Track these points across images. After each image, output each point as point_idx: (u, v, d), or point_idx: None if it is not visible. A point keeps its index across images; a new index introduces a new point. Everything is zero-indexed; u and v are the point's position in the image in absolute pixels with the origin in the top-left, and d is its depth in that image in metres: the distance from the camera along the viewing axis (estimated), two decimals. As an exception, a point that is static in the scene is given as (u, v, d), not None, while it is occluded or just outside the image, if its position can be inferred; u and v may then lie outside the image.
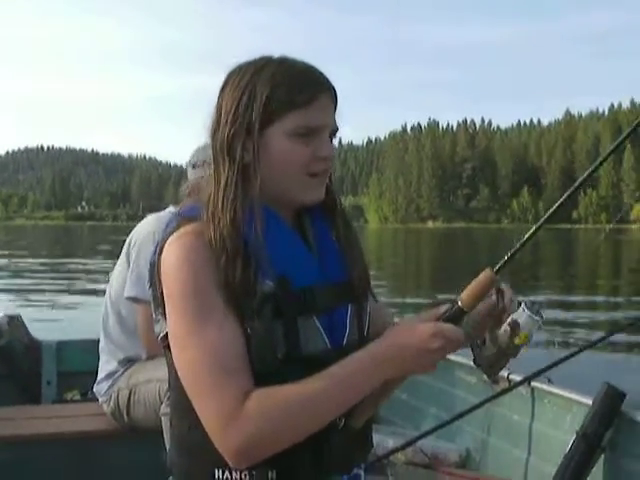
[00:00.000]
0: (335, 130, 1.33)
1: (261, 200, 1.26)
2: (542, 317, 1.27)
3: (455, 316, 1.24)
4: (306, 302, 1.26)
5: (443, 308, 1.27)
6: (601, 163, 1.40)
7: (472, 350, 1.32)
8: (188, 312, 1.20)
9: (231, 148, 1.27)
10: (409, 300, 15.94)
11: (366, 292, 1.41)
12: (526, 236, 1.29)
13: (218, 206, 1.25)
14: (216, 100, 1.32)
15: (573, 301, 14.56)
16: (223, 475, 1.24)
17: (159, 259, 1.26)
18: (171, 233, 1.27)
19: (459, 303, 1.25)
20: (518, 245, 1.27)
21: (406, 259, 36.39)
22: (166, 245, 1.25)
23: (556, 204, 1.33)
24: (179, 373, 1.24)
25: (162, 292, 1.25)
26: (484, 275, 1.25)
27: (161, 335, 1.30)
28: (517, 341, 1.26)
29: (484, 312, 1.28)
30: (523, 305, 1.27)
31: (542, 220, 1.34)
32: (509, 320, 1.27)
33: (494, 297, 1.27)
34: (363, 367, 1.21)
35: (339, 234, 1.39)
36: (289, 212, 1.35)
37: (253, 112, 1.25)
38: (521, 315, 1.26)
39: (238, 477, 1.23)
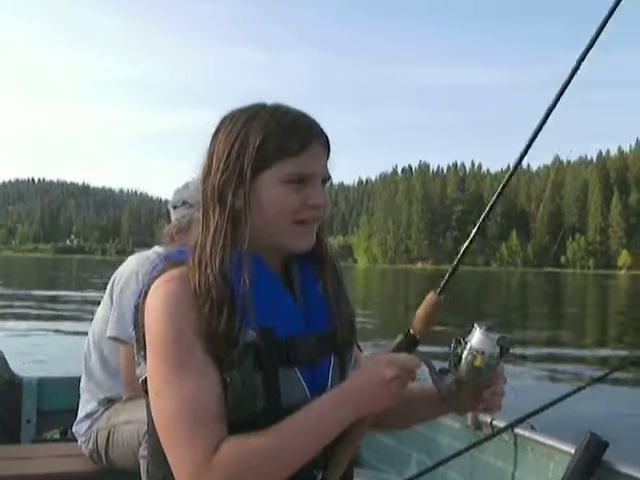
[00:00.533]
0: (327, 178, 1.34)
1: (249, 247, 1.26)
2: (498, 336, 1.23)
3: (407, 343, 1.26)
4: (288, 353, 1.26)
5: (397, 339, 1.29)
6: (504, 186, 1.44)
7: (432, 379, 1.30)
8: (167, 359, 1.19)
9: (222, 194, 1.27)
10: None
11: (350, 343, 1.41)
12: (457, 257, 1.35)
13: (206, 252, 1.25)
14: (208, 145, 1.33)
15: (559, 349, 14.51)
16: None
17: (144, 302, 1.26)
18: (157, 277, 1.26)
19: (410, 331, 1.27)
20: (454, 264, 1.32)
21: (394, 299, 36.38)
22: (151, 289, 1.25)
23: (468, 240, 1.40)
24: (155, 420, 1.23)
25: (144, 336, 1.25)
26: (429, 298, 1.29)
27: (141, 379, 1.29)
28: (477, 362, 1.23)
29: None
30: (476, 324, 1.26)
31: (461, 252, 1.38)
32: (467, 346, 1.25)
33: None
34: (329, 409, 1.21)
35: (326, 284, 1.38)
36: (277, 260, 1.35)
37: (245, 159, 1.26)
38: (476, 336, 1.24)
39: None
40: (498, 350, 1.23)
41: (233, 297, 1.22)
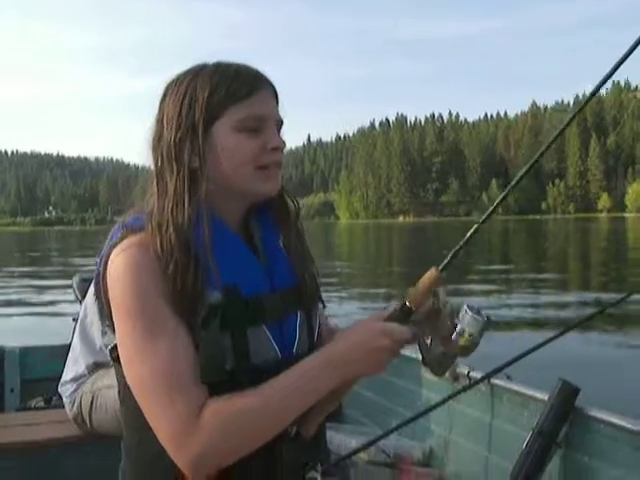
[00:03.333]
0: (280, 122, 1.33)
1: (208, 206, 1.25)
2: (485, 318, 1.29)
3: (402, 315, 1.26)
4: (255, 312, 1.26)
5: (391, 308, 1.29)
6: (542, 154, 1.42)
7: (420, 349, 1.33)
8: (138, 326, 1.18)
9: (178, 154, 1.26)
10: (381, 290, 16.10)
11: (315, 298, 1.41)
12: (467, 234, 1.29)
13: (165, 215, 1.23)
14: (156, 112, 1.31)
15: (540, 296, 14.71)
16: None
17: (104, 271, 1.25)
18: (115, 244, 1.25)
19: (406, 302, 1.27)
20: (461, 243, 1.28)
21: (377, 251, 36.59)
22: (112, 257, 1.24)
23: (496, 201, 1.34)
24: (132, 387, 1.22)
25: (109, 304, 1.24)
26: (429, 274, 1.27)
27: (109, 347, 1.29)
28: (462, 341, 1.28)
29: (424, 312, 1.29)
30: (465, 307, 1.30)
31: (483, 218, 1.34)
32: (455, 322, 1.29)
33: (431, 299, 1.29)
34: (317, 370, 1.21)
35: (288, 237, 1.38)
36: (236, 217, 1.34)
37: (196, 113, 1.25)
38: (464, 316, 1.29)
39: None
40: (483, 328, 1.29)
41: (196, 259, 1.21)
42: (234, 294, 1.23)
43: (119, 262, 1.22)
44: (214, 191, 1.27)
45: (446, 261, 1.28)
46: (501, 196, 1.36)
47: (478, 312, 1.29)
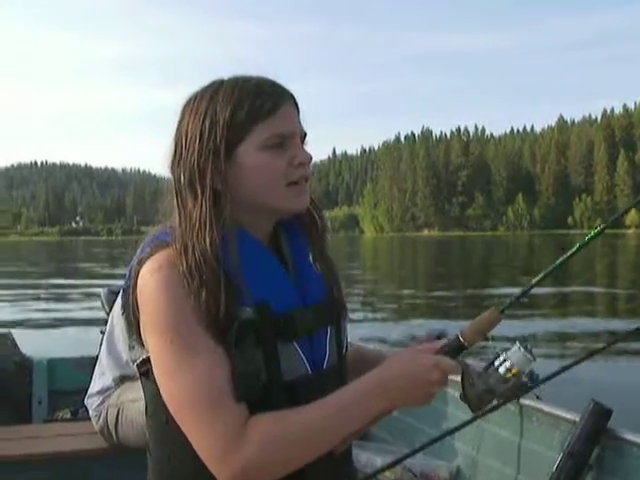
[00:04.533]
0: (304, 135, 1.32)
1: (235, 223, 1.25)
2: (534, 357, 1.27)
3: (454, 350, 1.26)
4: (286, 327, 1.25)
5: (441, 342, 1.29)
6: None
7: (462, 384, 1.31)
8: (175, 341, 1.18)
9: (201, 176, 1.24)
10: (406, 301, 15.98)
11: (344, 312, 1.40)
12: (535, 280, 1.29)
13: (189, 239, 1.22)
14: (174, 132, 1.30)
15: (567, 317, 14.49)
16: None
17: (134, 287, 1.25)
18: (145, 259, 1.24)
19: (460, 338, 1.26)
20: (527, 287, 1.28)
21: (401, 265, 36.41)
22: (142, 272, 1.23)
23: (565, 255, 1.31)
24: (169, 402, 1.20)
25: (138, 320, 1.24)
26: (489, 314, 1.26)
27: (137, 362, 1.29)
28: (508, 376, 1.26)
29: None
30: (517, 344, 1.28)
31: (557, 262, 1.31)
32: (502, 358, 1.27)
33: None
34: (369, 394, 1.20)
35: (317, 253, 1.37)
36: (264, 233, 1.33)
37: (217, 136, 1.24)
38: (515, 353, 1.27)
39: None
40: (528, 368, 1.27)
41: (226, 277, 1.20)
42: (266, 310, 1.23)
43: (151, 280, 1.21)
44: (241, 210, 1.27)
45: (508, 303, 1.28)
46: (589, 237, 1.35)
47: (530, 351, 1.27)
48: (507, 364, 1.26)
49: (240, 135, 1.25)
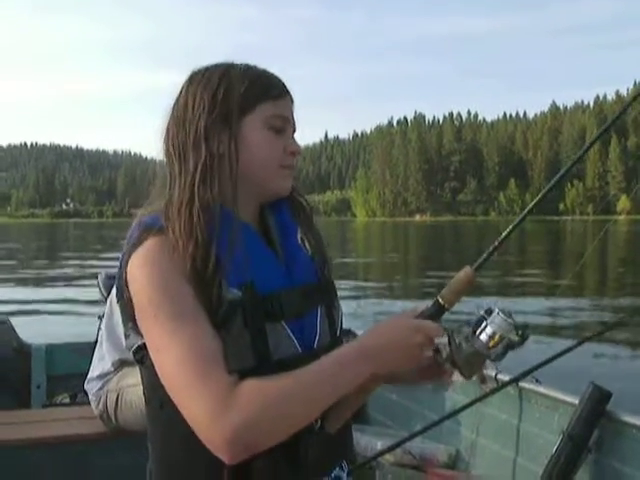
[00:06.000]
0: (295, 130, 1.38)
1: (222, 203, 1.25)
2: (515, 321, 1.26)
3: (435, 312, 1.27)
4: (273, 307, 1.25)
5: (423, 307, 1.29)
6: (581, 157, 1.42)
7: (449, 348, 1.29)
8: (162, 315, 1.18)
9: (207, 137, 1.26)
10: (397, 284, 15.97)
11: (335, 292, 1.41)
12: (504, 234, 1.30)
13: (188, 193, 1.24)
14: (178, 98, 1.31)
15: (560, 300, 14.57)
16: None
17: (125, 271, 1.24)
18: (135, 246, 1.24)
19: (440, 300, 1.27)
20: (496, 243, 1.28)
21: (394, 249, 36.48)
22: (130, 264, 1.23)
23: (533, 201, 1.36)
24: (163, 377, 1.20)
25: (131, 303, 1.24)
26: (464, 273, 1.27)
27: (133, 349, 1.29)
28: (491, 343, 1.26)
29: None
30: (496, 310, 1.28)
31: (519, 218, 1.36)
32: (484, 325, 1.27)
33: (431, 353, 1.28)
34: (351, 360, 1.20)
35: (305, 234, 1.38)
36: (250, 213, 1.34)
37: (232, 102, 1.28)
38: (495, 318, 1.26)
39: None
40: (515, 336, 1.27)
41: (215, 257, 1.20)
42: (253, 290, 1.23)
43: (138, 258, 1.22)
44: (228, 187, 1.27)
45: (480, 260, 1.28)
46: (540, 195, 1.38)
47: (509, 315, 1.27)
48: (488, 330, 1.26)
49: (252, 104, 1.29)
